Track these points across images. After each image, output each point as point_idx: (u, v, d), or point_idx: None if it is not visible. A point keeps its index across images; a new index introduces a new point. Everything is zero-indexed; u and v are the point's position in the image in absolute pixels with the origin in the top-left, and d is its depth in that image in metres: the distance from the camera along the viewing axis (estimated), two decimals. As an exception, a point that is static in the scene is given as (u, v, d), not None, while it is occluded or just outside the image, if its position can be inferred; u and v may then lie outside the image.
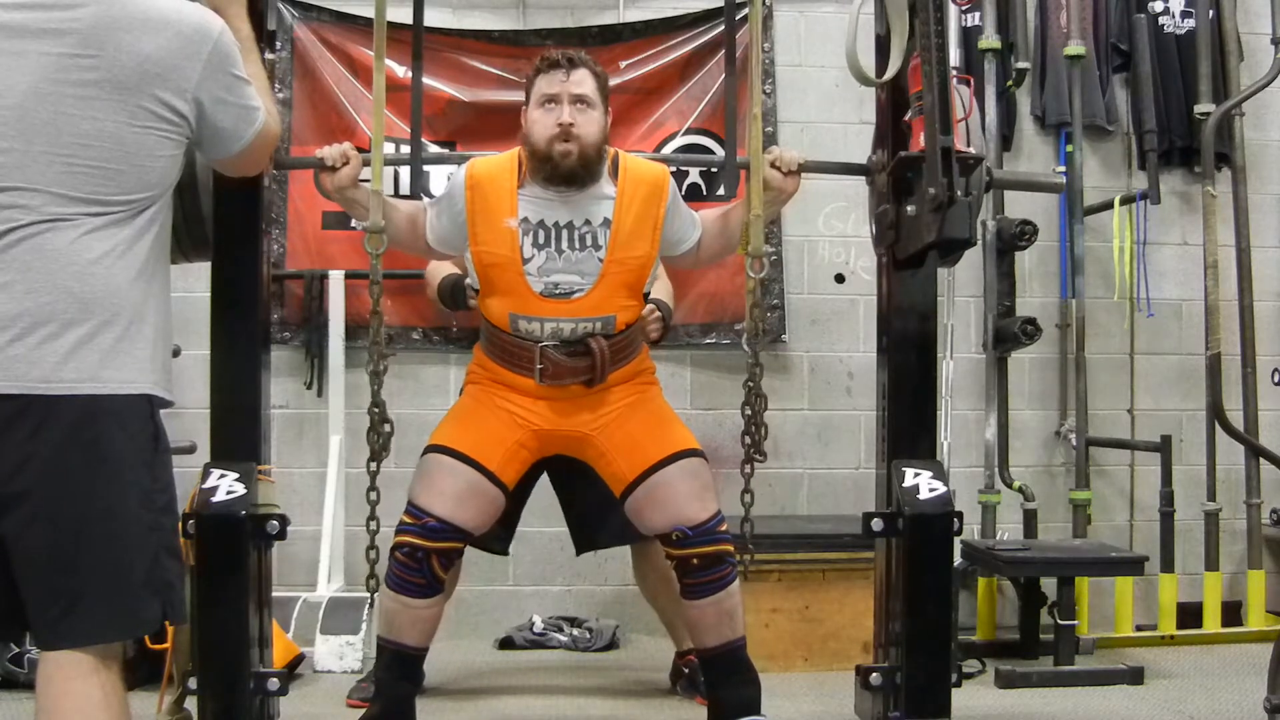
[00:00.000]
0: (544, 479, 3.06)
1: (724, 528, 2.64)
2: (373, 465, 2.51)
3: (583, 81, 2.63)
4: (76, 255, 1.74)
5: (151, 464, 1.82)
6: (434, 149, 4.02)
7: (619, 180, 2.67)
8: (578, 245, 2.63)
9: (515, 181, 2.65)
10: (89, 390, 1.73)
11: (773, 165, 2.58)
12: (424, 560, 2.58)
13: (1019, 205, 4.06)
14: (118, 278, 1.78)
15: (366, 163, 2.51)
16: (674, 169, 4.01)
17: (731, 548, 2.64)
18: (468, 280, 2.97)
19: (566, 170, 2.59)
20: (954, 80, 2.35)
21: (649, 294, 2.89)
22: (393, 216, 2.60)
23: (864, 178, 2.80)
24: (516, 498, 2.91)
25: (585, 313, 2.65)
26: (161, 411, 1.86)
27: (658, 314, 3.01)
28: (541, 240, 2.63)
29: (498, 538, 3.04)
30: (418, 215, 2.71)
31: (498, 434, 2.69)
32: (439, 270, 3.02)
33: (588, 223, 2.64)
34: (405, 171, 4.02)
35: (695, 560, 2.62)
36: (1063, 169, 4.13)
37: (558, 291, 2.63)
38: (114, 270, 1.77)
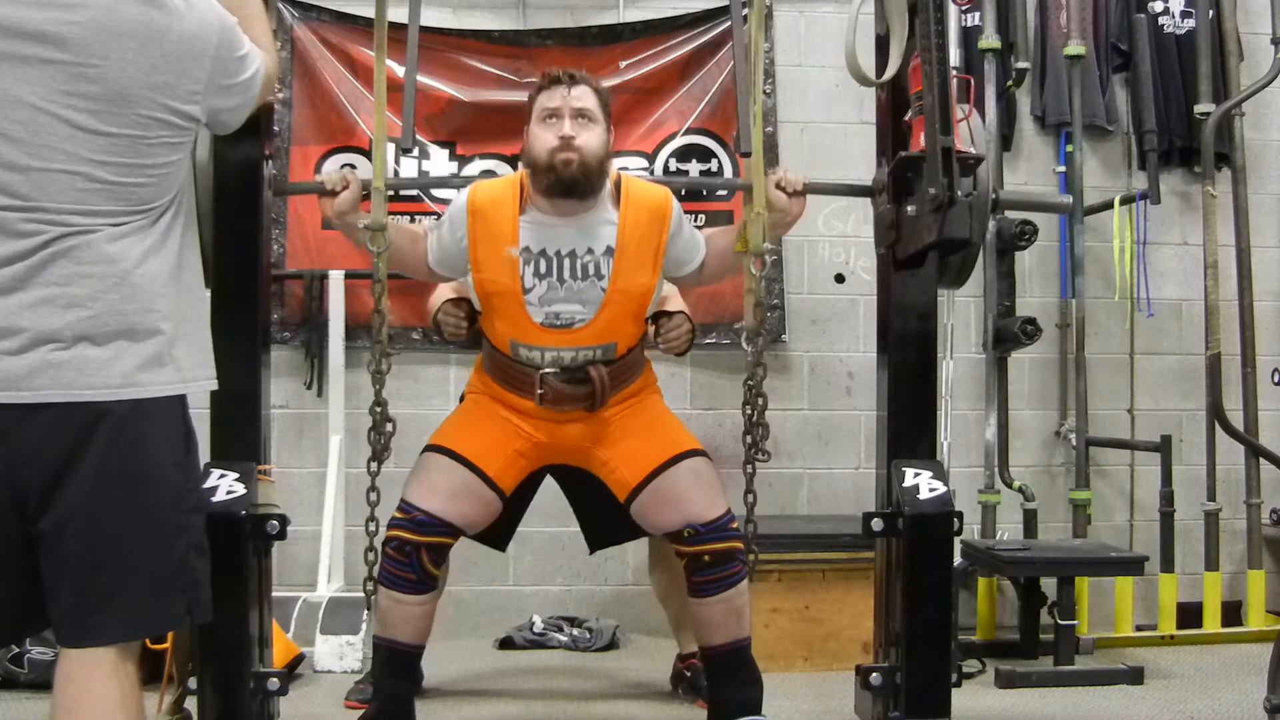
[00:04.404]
0: (549, 480, 3.06)
1: (735, 525, 2.65)
2: (373, 465, 2.51)
3: (584, 97, 2.61)
4: (112, 264, 1.75)
5: (183, 465, 1.85)
6: (433, 149, 4.05)
7: (621, 206, 2.66)
8: (579, 275, 2.63)
9: (517, 208, 2.64)
10: (131, 395, 1.75)
11: (777, 187, 2.55)
12: (413, 554, 2.59)
13: (1019, 205, 4.07)
14: (154, 282, 1.79)
15: (366, 187, 2.48)
16: (674, 169, 4.07)
17: (742, 545, 2.65)
18: (449, 304, 2.92)
19: (568, 179, 2.57)
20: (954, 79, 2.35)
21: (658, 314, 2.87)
22: (395, 240, 2.58)
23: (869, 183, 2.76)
24: (519, 498, 2.91)
25: (586, 342, 2.66)
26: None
27: (688, 325, 2.88)
28: (543, 270, 2.63)
29: (497, 534, 3.04)
30: (419, 239, 2.71)
31: (498, 440, 2.72)
32: (440, 296, 3.00)
33: (590, 251, 2.64)
34: (405, 170, 4.03)
35: (707, 557, 2.62)
36: (1063, 169, 4.13)
37: (558, 322, 2.64)
38: (149, 272, 1.79)
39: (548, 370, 2.66)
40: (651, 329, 2.86)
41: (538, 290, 2.63)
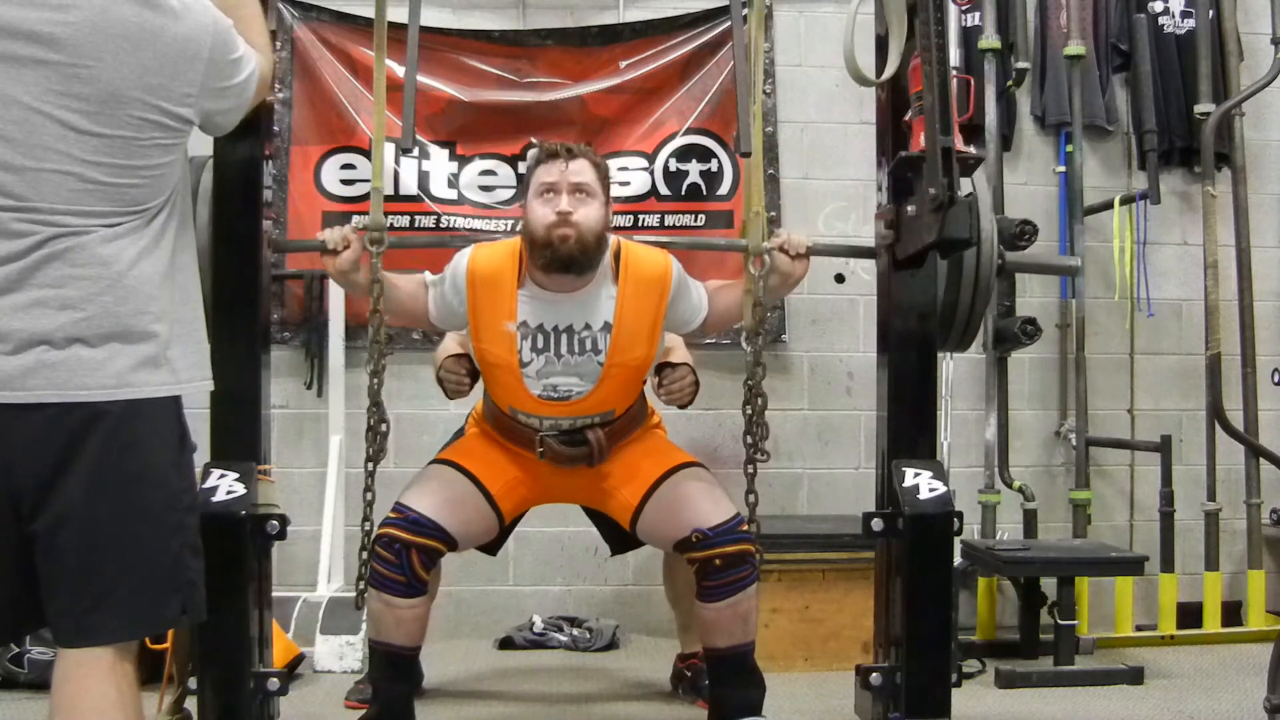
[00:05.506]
0: None
1: (745, 528, 2.63)
2: (370, 465, 2.50)
3: (582, 171, 2.59)
4: (106, 266, 1.75)
5: (179, 465, 1.85)
6: (433, 149, 4.04)
7: (620, 280, 2.64)
8: (577, 350, 2.63)
9: (515, 281, 2.63)
10: (125, 395, 1.75)
11: (780, 249, 2.55)
12: (403, 554, 2.57)
13: (1019, 205, 4.07)
14: (148, 284, 1.79)
15: (368, 242, 2.45)
16: (674, 169, 4.06)
17: (752, 548, 2.63)
18: (450, 360, 2.91)
19: (565, 255, 2.54)
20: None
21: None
22: (392, 294, 2.57)
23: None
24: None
25: (583, 412, 2.68)
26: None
27: (692, 378, 2.87)
28: (540, 345, 2.63)
29: (491, 541, 3.04)
30: (418, 293, 2.69)
31: (500, 463, 2.75)
32: (444, 351, 3.00)
33: (588, 326, 2.63)
34: (405, 170, 4.03)
35: (718, 560, 2.60)
36: (1063, 169, 4.13)
37: (556, 395, 2.65)
38: (143, 274, 1.78)
39: (546, 434, 2.69)
40: (654, 380, 2.85)
41: (535, 364, 2.63)
